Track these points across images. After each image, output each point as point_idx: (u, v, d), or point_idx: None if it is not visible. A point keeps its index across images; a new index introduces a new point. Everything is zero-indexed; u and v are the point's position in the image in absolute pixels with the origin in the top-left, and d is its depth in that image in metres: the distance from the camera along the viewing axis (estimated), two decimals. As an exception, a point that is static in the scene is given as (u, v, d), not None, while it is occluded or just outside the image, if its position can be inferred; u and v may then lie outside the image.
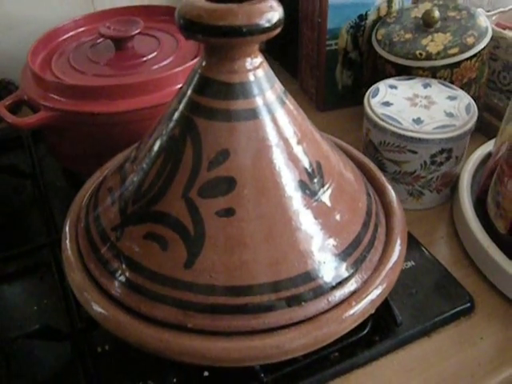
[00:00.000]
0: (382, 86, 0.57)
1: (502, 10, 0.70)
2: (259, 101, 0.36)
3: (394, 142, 0.52)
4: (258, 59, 0.36)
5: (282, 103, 0.38)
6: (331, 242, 0.37)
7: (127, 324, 0.34)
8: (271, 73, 0.38)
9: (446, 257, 0.50)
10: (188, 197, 0.35)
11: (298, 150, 0.37)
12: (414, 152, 0.51)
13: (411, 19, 0.64)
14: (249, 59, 0.35)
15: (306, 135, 0.39)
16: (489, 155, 0.56)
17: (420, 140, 0.50)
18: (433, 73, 0.59)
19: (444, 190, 0.56)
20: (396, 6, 0.67)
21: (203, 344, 0.33)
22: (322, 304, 0.35)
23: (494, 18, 0.68)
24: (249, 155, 0.35)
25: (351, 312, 0.35)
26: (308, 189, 0.37)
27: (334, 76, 0.71)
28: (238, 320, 0.34)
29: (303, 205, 0.37)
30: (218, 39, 0.33)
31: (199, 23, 0.32)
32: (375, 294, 0.36)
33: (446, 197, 0.57)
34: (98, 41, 0.61)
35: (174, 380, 0.40)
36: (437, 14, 0.60)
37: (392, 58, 0.61)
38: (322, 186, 0.38)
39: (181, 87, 0.38)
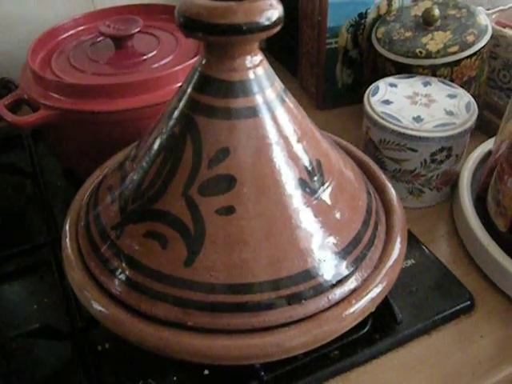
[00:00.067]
0: (382, 84, 0.57)
1: (501, 8, 0.70)
2: (259, 99, 0.36)
3: (393, 140, 0.52)
4: (258, 57, 0.36)
5: (282, 101, 0.37)
6: (331, 240, 0.37)
7: (127, 322, 0.34)
8: (271, 71, 0.38)
9: (446, 255, 0.50)
10: (188, 195, 0.35)
11: (298, 148, 0.37)
12: (414, 150, 0.51)
13: (411, 17, 0.64)
14: (249, 57, 0.35)
15: (306, 133, 0.39)
16: (489, 153, 0.56)
17: (420, 138, 0.50)
18: (433, 71, 0.59)
19: (444, 188, 0.56)
20: (396, 4, 0.67)
21: (203, 342, 0.33)
22: (322, 302, 0.35)
23: (493, 16, 0.68)
24: (249, 153, 0.35)
25: (351, 310, 0.35)
26: (308, 187, 0.37)
27: (333, 74, 0.71)
28: (237, 318, 0.34)
29: (303, 203, 0.37)
30: (218, 37, 0.33)
31: (199, 21, 0.32)
32: (375, 292, 0.36)
33: (446, 195, 0.57)
34: (98, 39, 0.61)
35: (174, 378, 0.40)
36: (437, 12, 0.60)
37: (392, 57, 0.61)
38: (322, 184, 0.38)
39: (181, 85, 0.38)
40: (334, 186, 0.39)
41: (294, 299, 0.35)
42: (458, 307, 0.45)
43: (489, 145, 0.57)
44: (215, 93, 0.35)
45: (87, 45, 0.61)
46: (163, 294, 0.35)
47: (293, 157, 0.37)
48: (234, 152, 0.35)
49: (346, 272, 0.37)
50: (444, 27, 0.60)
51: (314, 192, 0.37)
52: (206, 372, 0.40)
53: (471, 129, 0.52)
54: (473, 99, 0.54)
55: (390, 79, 0.58)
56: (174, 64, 0.55)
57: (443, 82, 0.57)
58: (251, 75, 0.36)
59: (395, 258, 0.39)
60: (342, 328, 0.35)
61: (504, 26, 0.65)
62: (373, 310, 0.37)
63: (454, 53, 0.58)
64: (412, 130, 0.51)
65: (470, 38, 0.58)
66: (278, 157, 0.36)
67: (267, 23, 0.33)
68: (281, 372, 0.40)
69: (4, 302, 0.48)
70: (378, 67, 0.66)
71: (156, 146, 0.38)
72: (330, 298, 0.35)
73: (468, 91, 0.56)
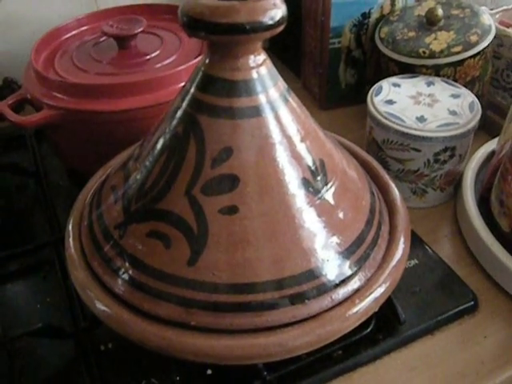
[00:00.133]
0: (386, 84, 0.57)
1: (505, 8, 0.69)
2: (262, 98, 0.36)
3: (397, 140, 0.52)
4: (261, 57, 0.36)
5: (285, 101, 0.37)
6: (334, 239, 0.37)
7: (130, 322, 0.34)
8: (274, 70, 0.38)
9: (450, 255, 0.50)
10: (191, 194, 0.35)
11: (302, 148, 0.37)
12: (418, 150, 0.51)
13: (414, 17, 0.63)
14: (252, 57, 0.35)
15: (310, 133, 0.39)
16: (492, 153, 0.56)
17: (423, 138, 0.50)
18: (436, 71, 0.59)
19: (447, 188, 0.55)
20: (399, 4, 0.67)
21: (206, 342, 0.33)
22: (325, 302, 0.35)
23: (497, 16, 0.68)
24: (252, 153, 0.35)
25: (355, 310, 0.35)
26: (311, 187, 0.37)
27: (337, 74, 0.71)
28: (240, 318, 0.34)
29: (306, 203, 0.36)
30: (221, 37, 0.33)
31: (202, 21, 0.32)
32: (379, 292, 0.36)
33: (450, 195, 0.57)
34: (101, 39, 0.61)
35: (177, 378, 0.40)
36: (440, 12, 0.60)
37: (395, 56, 0.61)
38: (326, 183, 0.38)
39: (184, 85, 0.38)
40: (338, 186, 0.39)
41: (298, 299, 0.35)
42: (461, 307, 0.45)
43: (492, 145, 0.57)
44: (218, 92, 0.35)
45: (90, 45, 0.61)
46: (166, 294, 0.35)
47: (296, 156, 0.37)
48: (238, 151, 0.35)
49: (349, 272, 0.37)
50: (447, 27, 0.60)
51: (317, 192, 0.37)
52: (209, 372, 0.40)
53: (475, 129, 0.52)
54: (476, 99, 0.54)
55: (394, 79, 0.58)
56: (178, 64, 0.55)
57: (447, 82, 0.57)
58: (254, 75, 0.36)
59: (398, 257, 0.39)
60: (345, 328, 0.35)
61: (507, 26, 0.65)
62: (376, 309, 0.37)
63: (458, 53, 0.57)
64: (415, 129, 0.50)
65: (474, 38, 0.58)
66: (282, 156, 0.36)
67: (270, 22, 0.33)
68: (284, 372, 0.40)
69: (7, 302, 0.48)
70: (381, 67, 0.66)
71: (159, 145, 0.38)
72: (333, 297, 0.35)
73: (471, 91, 0.56)
